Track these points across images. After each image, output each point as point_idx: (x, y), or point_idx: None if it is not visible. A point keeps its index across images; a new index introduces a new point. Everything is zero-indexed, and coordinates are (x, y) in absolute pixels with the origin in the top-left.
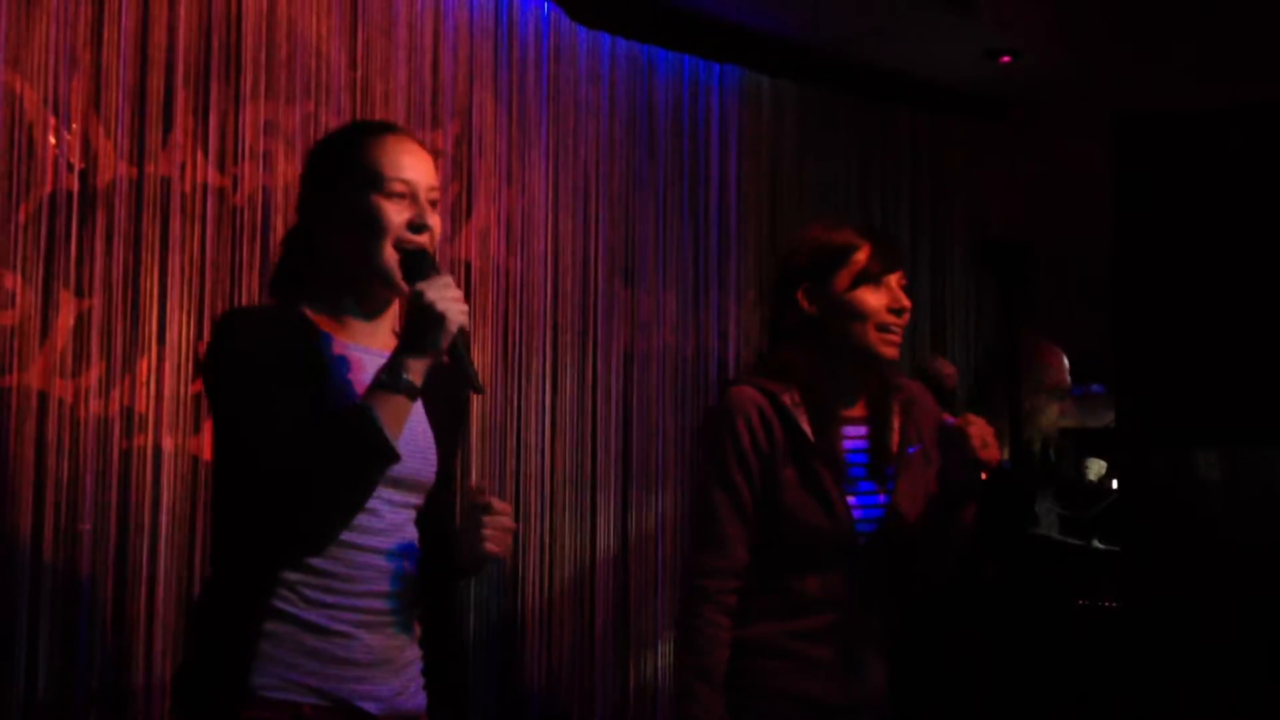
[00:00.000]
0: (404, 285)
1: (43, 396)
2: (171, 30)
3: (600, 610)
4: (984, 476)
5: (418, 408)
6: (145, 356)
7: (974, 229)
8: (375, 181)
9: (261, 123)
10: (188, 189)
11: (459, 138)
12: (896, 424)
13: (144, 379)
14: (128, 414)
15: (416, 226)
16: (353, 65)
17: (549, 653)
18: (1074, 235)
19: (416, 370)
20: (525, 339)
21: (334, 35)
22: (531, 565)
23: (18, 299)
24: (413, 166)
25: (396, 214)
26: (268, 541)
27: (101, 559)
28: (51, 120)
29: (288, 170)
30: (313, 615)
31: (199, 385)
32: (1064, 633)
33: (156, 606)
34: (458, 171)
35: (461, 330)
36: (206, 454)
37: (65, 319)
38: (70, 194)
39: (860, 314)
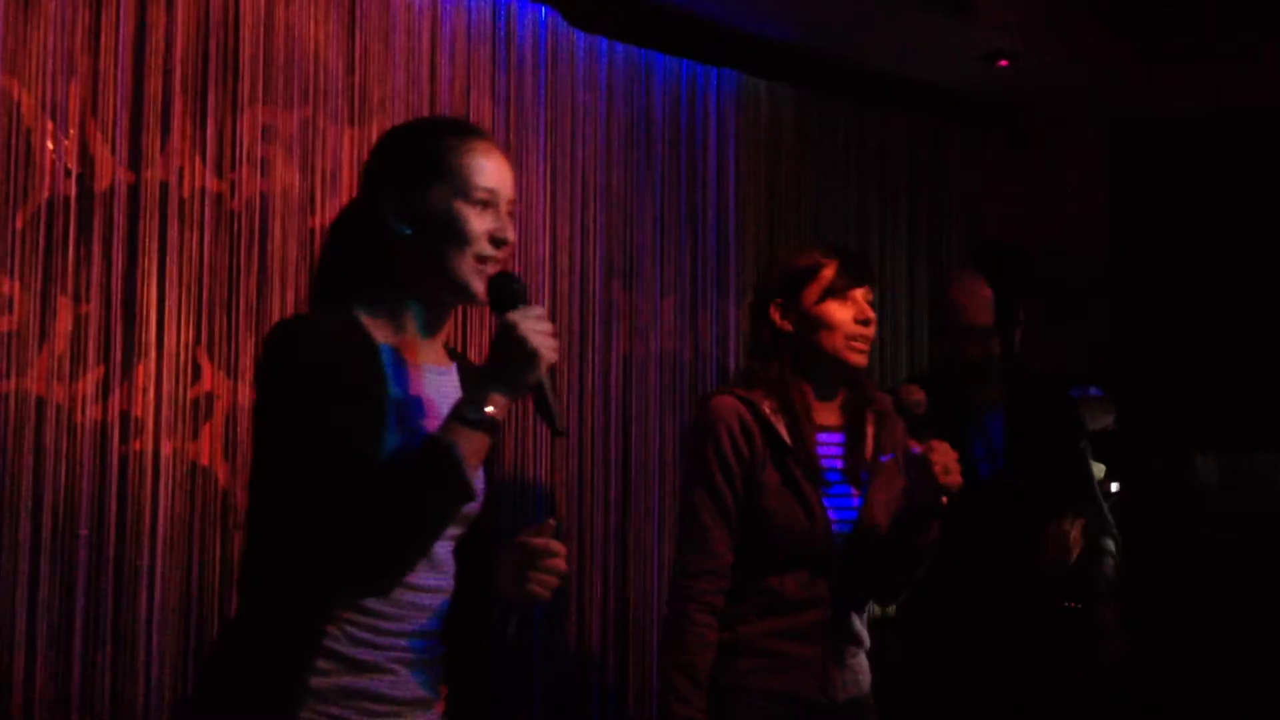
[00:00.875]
0: (482, 297)
1: (40, 402)
2: (169, 35)
3: (597, 615)
4: (944, 501)
5: None
6: (143, 361)
7: (972, 233)
8: (461, 188)
9: (259, 128)
10: (185, 194)
11: None
12: (870, 431)
13: (142, 384)
14: (125, 419)
15: (498, 240)
16: (350, 70)
17: (547, 659)
18: (1072, 238)
19: (500, 405)
20: None
21: (331, 40)
22: None
23: (15, 304)
24: (499, 177)
25: (480, 223)
26: (328, 578)
27: (100, 564)
28: (49, 125)
29: (285, 175)
30: (360, 653)
31: (197, 390)
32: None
33: (155, 611)
34: None
35: (551, 369)
36: (205, 459)
37: (63, 324)
38: (68, 199)
39: (828, 325)
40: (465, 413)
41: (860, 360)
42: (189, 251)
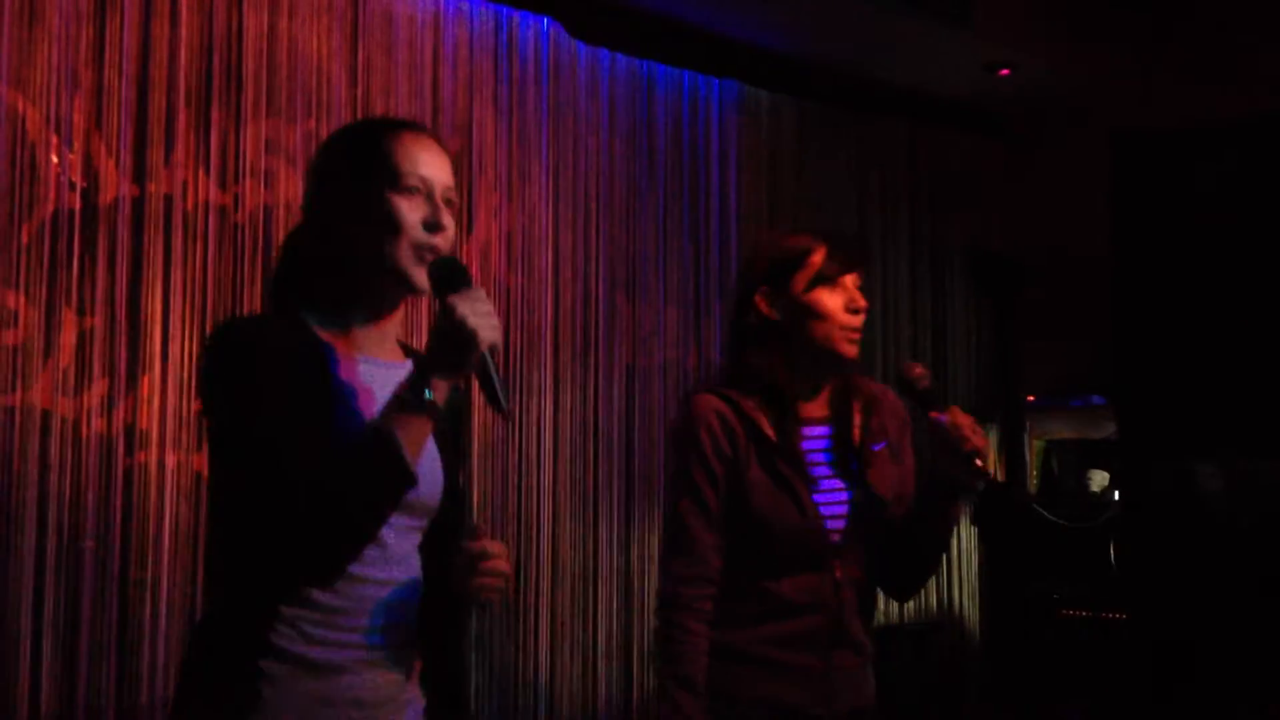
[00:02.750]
0: (422, 286)
1: (46, 414)
2: (173, 50)
3: (603, 622)
4: (978, 464)
5: None
6: (148, 374)
7: (972, 241)
8: (391, 178)
9: (263, 141)
10: (189, 207)
11: (459, 154)
12: (858, 421)
13: (146, 396)
14: (130, 431)
15: (431, 225)
16: (353, 83)
17: (552, 665)
18: (1074, 247)
19: (440, 390)
20: (527, 354)
21: (335, 53)
22: (534, 579)
23: (21, 318)
24: (430, 164)
25: (411, 211)
26: (271, 573)
27: (104, 576)
28: (54, 140)
29: (289, 188)
30: (315, 653)
31: (201, 402)
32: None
33: (160, 622)
34: (458, 188)
35: (491, 348)
36: (208, 471)
37: (68, 337)
38: (73, 213)
39: (818, 314)
40: (405, 397)
41: (852, 351)
42: (193, 264)
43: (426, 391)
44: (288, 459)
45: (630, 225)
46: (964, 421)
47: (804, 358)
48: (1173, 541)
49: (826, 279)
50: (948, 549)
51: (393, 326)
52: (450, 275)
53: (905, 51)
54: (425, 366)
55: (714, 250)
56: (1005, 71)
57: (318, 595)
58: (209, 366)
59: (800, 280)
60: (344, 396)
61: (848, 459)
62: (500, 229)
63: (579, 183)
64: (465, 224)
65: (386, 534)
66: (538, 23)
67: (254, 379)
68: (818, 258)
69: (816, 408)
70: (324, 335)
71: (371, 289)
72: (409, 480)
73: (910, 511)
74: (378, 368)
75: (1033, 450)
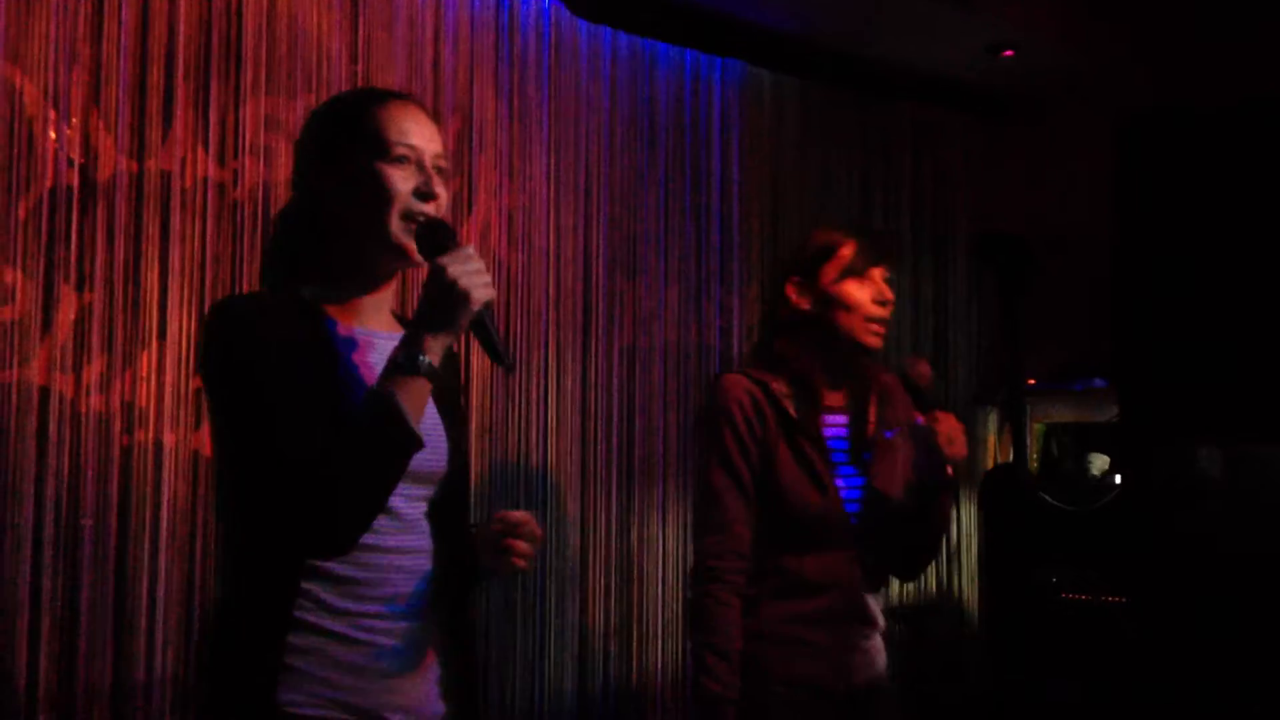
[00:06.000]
0: (416, 256)
1: (44, 391)
2: (171, 24)
3: (601, 605)
4: (949, 472)
5: None
6: (146, 351)
7: (976, 224)
8: (380, 148)
9: (262, 117)
10: (188, 183)
11: (460, 133)
12: (873, 412)
13: (145, 374)
14: (129, 409)
15: (423, 194)
16: (353, 60)
17: (550, 648)
18: (1076, 230)
19: (435, 350)
20: (526, 334)
21: (334, 30)
22: (531, 561)
23: (18, 294)
24: (419, 133)
25: (402, 181)
26: (286, 549)
27: (102, 554)
28: (52, 115)
29: (288, 164)
30: (339, 625)
31: (199, 380)
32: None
33: (158, 601)
34: (458, 167)
35: (486, 305)
36: (208, 449)
37: (66, 314)
38: (70, 189)
39: (846, 305)
40: (400, 360)
41: (876, 343)
42: (191, 241)
43: (421, 355)
44: (292, 433)
45: (631, 205)
46: (945, 430)
47: (830, 346)
48: (1174, 526)
49: (855, 271)
50: (946, 534)
51: (387, 298)
52: (437, 236)
53: (909, 32)
54: (418, 328)
55: (715, 231)
56: (1009, 53)
57: (336, 567)
58: (207, 345)
59: (830, 272)
60: (344, 363)
61: (862, 449)
62: (500, 208)
63: (580, 162)
64: (465, 203)
65: (397, 502)
66: (539, 0)
67: (253, 355)
68: (847, 251)
69: (837, 396)
70: (321, 307)
71: (365, 261)
72: (414, 441)
73: (908, 501)
74: (376, 338)
75: (1033, 434)
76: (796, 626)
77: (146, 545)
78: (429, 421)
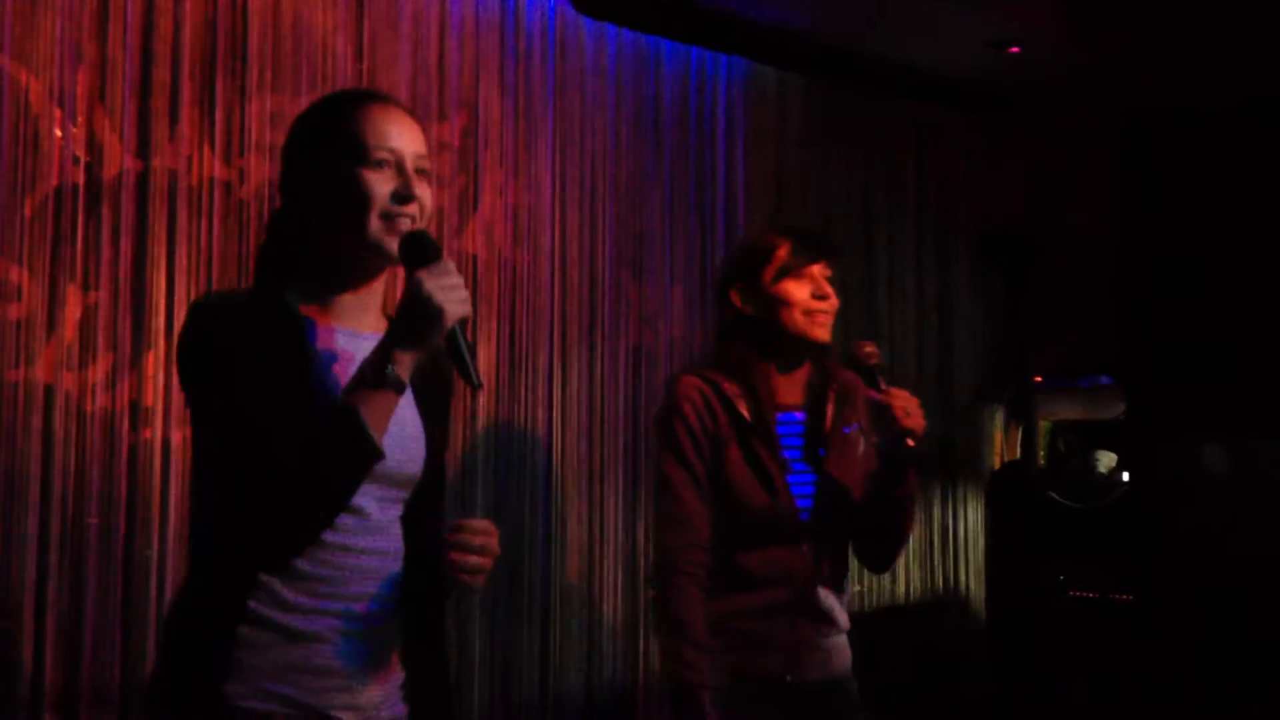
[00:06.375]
0: (397, 258)
1: (49, 390)
2: (177, 23)
3: (608, 604)
4: (910, 444)
5: (407, 395)
6: (152, 350)
7: (979, 221)
8: (358, 153)
9: (268, 115)
10: (194, 182)
11: (464, 131)
12: (830, 410)
13: (151, 372)
14: (135, 407)
15: (401, 197)
16: (358, 58)
17: (557, 643)
18: (1080, 227)
19: (405, 364)
20: (531, 333)
21: (339, 28)
22: (538, 560)
23: (24, 293)
24: (398, 135)
25: (380, 185)
26: (246, 541)
27: (109, 552)
28: (57, 113)
29: None
30: (293, 620)
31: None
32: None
33: (164, 599)
34: (463, 164)
35: (461, 322)
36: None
37: (72, 312)
38: (76, 187)
39: (787, 303)
40: (367, 374)
41: (823, 334)
42: (197, 239)
43: (389, 367)
44: (259, 431)
45: (636, 203)
46: (898, 403)
47: (778, 345)
48: (1179, 523)
49: (791, 270)
50: (910, 521)
51: (374, 297)
52: (419, 249)
53: (913, 29)
54: (389, 342)
55: (720, 228)
56: (1014, 49)
57: (297, 563)
58: (182, 341)
59: (768, 273)
60: (319, 368)
61: (817, 445)
62: (505, 206)
63: (584, 159)
64: (470, 201)
65: (367, 504)
66: None
67: (224, 354)
68: (783, 251)
69: (793, 394)
70: (303, 309)
71: (349, 262)
72: (373, 454)
73: (870, 490)
74: (356, 339)
75: (1040, 431)
76: (744, 620)
77: (153, 544)
78: (408, 426)
